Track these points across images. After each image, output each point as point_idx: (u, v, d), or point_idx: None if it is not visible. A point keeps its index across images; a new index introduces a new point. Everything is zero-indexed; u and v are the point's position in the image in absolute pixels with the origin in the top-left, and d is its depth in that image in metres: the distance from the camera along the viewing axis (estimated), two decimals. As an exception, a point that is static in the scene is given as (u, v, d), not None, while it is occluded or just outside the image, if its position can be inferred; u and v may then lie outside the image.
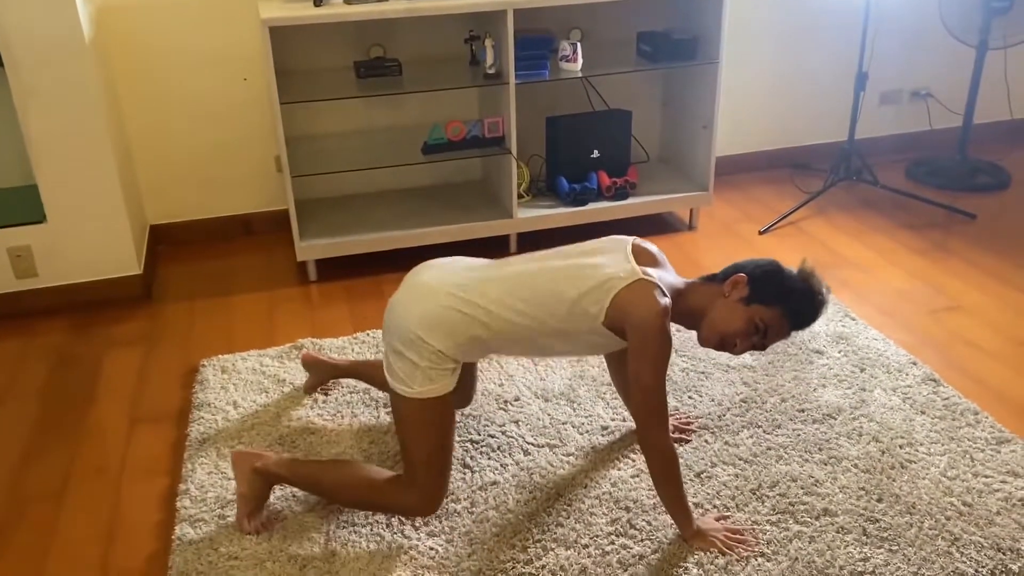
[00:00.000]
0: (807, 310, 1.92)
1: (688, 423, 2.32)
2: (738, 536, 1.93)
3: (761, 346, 1.92)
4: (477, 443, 2.27)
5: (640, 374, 1.82)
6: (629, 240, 2.00)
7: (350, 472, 1.99)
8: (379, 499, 1.97)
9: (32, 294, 3.04)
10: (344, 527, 2.00)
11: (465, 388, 2.26)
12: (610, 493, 2.09)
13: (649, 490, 2.09)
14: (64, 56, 2.78)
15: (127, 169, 3.23)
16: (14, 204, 3.09)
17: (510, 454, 2.23)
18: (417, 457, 1.92)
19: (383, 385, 2.28)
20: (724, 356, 2.63)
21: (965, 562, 1.87)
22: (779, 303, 1.89)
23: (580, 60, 3.22)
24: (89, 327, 2.96)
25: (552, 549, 1.92)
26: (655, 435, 1.84)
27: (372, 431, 2.33)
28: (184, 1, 3.22)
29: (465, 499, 2.08)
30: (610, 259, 1.92)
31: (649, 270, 1.89)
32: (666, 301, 1.84)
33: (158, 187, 3.48)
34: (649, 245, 2.01)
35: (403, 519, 2.01)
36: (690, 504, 1.95)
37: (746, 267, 1.95)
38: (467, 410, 2.39)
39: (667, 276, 1.95)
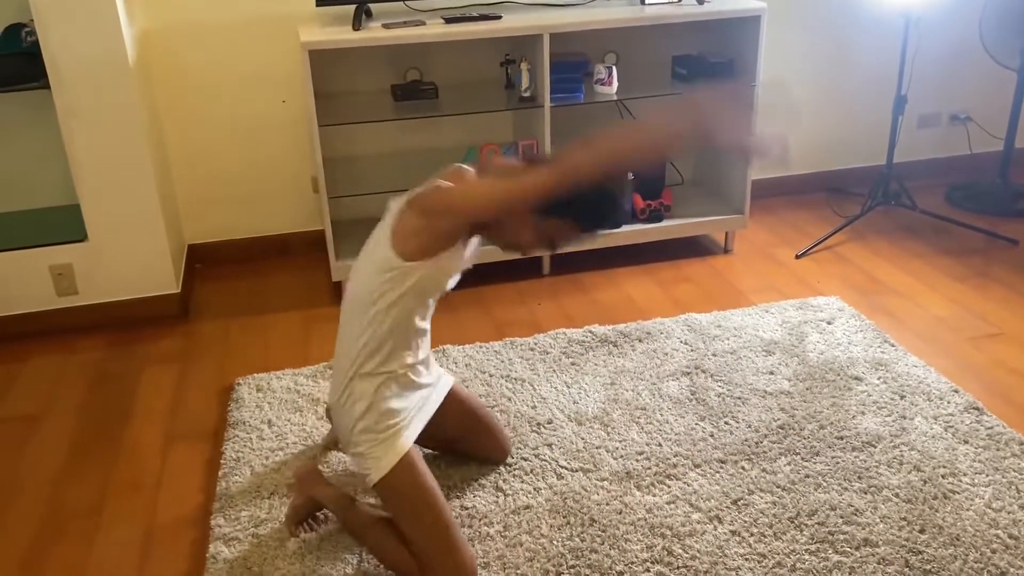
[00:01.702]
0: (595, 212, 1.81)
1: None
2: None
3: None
4: (510, 466, 2.26)
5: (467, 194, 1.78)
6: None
7: (392, 544, 1.91)
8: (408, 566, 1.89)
9: (72, 312, 3.09)
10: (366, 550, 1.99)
11: (481, 437, 2.24)
12: (645, 519, 2.06)
13: (685, 516, 2.06)
14: (108, 77, 2.83)
15: (167, 189, 3.28)
16: (57, 223, 3.15)
17: (543, 478, 2.21)
18: (420, 539, 1.86)
19: None
20: (761, 382, 2.59)
21: (1012, 597, 1.82)
22: (564, 214, 1.80)
23: (615, 83, 3.22)
24: (127, 345, 3.00)
25: (586, 575, 1.90)
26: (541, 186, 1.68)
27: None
28: (226, 24, 3.27)
29: (498, 523, 2.07)
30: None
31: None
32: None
33: (197, 207, 3.52)
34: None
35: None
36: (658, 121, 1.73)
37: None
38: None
39: None
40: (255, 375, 2.70)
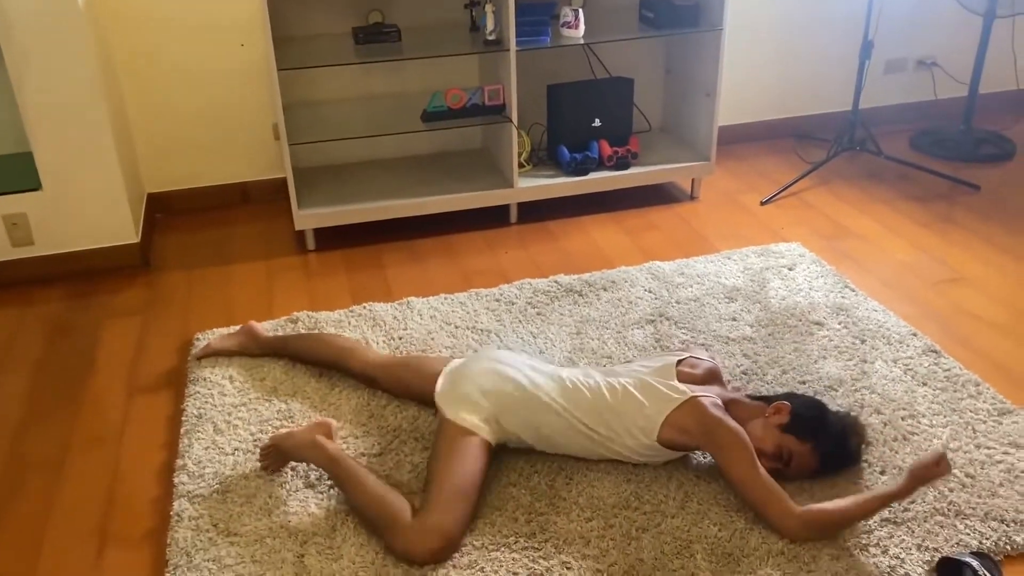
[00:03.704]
0: (835, 455, 2.01)
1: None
2: (935, 466, 1.82)
3: (783, 473, 1.98)
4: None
5: (735, 476, 1.89)
6: (674, 359, 2.13)
7: (375, 494, 1.91)
8: (387, 519, 1.86)
9: (28, 262, 3.02)
10: (345, 502, 1.99)
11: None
12: (614, 465, 2.08)
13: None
14: (58, 22, 2.72)
15: (123, 137, 3.19)
16: (9, 171, 3.06)
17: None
18: (442, 485, 1.87)
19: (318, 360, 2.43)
20: (724, 328, 2.61)
21: (969, 534, 1.87)
22: (811, 440, 1.97)
23: (582, 27, 3.17)
24: (86, 296, 2.94)
25: (554, 522, 1.92)
26: (793, 521, 1.84)
27: (369, 406, 2.31)
28: (179, -36, 3.16)
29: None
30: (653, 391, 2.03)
31: (696, 388, 2.04)
32: (711, 400, 1.98)
33: (155, 155, 3.44)
34: (696, 361, 2.15)
35: (408, 491, 2.00)
36: (869, 497, 1.84)
37: (793, 398, 2.05)
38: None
39: (714, 388, 2.09)
40: (215, 330, 2.67)
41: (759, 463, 1.89)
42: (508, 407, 2.03)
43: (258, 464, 2.09)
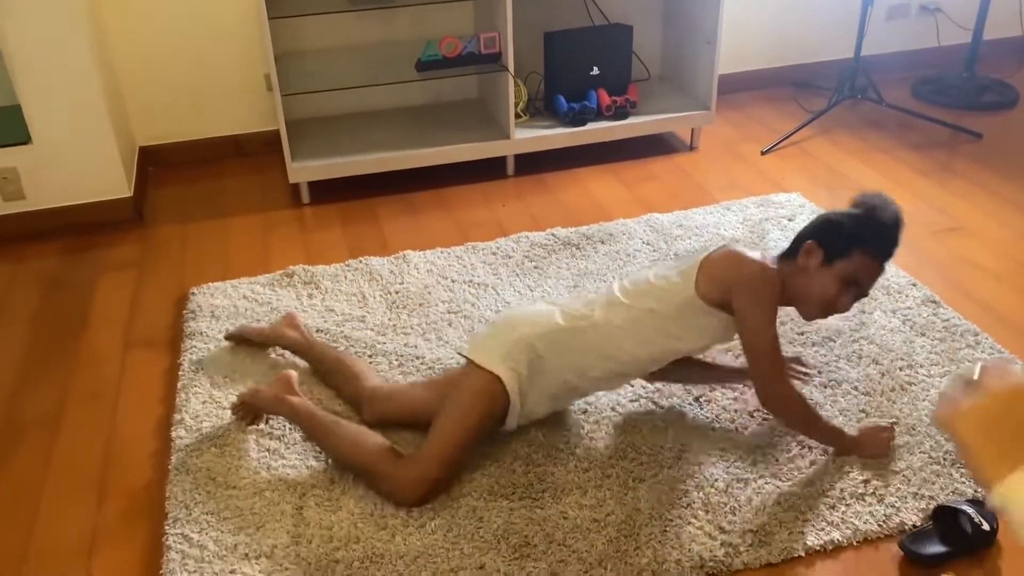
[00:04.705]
0: (883, 239, 1.88)
1: (805, 369, 2.23)
2: (887, 433, 1.96)
3: (863, 294, 1.90)
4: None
5: (754, 330, 1.85)
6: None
7: (352, 443, 1.92)
8: (365, 465, 1.89)
9: (20, 217, 2.99)
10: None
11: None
12: (610, 418, 2.08)
13: (648, 413, 2.08)
14: (41, -32, 2.66)
15: (113, 89, 3.14)
16: (-2, 125, 3.02)
17: (508, 378, 2.22)
18: (444, 436, 1.85)
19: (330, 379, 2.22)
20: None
21: (964, 482, 1.88)
22: (855, 247, 1.85)
23: (579, -28, 3.10)
24: (81, 251, 2.92)
25: (551, 472, 1.93)
26: (776, 387, 1.88)
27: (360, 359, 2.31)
28: (165, -90, 3.08)
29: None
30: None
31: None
32: (757, 254, 1.90)
33: (146, 108, 3.39)
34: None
35: (407, 444, 2.00)
36: (833, 424, 1.97)
37: (806, 233, 1.92)
38: (466, 339, 2.38)
39: None
40: (210, 284, 2.64)
41: (775, 323, 1.87)
42: (554, 343, 1.92)
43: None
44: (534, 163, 3.36)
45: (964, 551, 1.72)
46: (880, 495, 1.85)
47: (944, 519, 1.76)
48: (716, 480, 1.89)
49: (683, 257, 2.00)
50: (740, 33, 3.89)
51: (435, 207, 3.12)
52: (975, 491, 1.85)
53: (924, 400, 2.11)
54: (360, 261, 2.74)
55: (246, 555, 1.75)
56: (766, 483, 1.88)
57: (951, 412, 0.97)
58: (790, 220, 2.91)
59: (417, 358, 2.30)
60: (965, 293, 2.55)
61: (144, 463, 2.04)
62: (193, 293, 2.61)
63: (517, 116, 3.32)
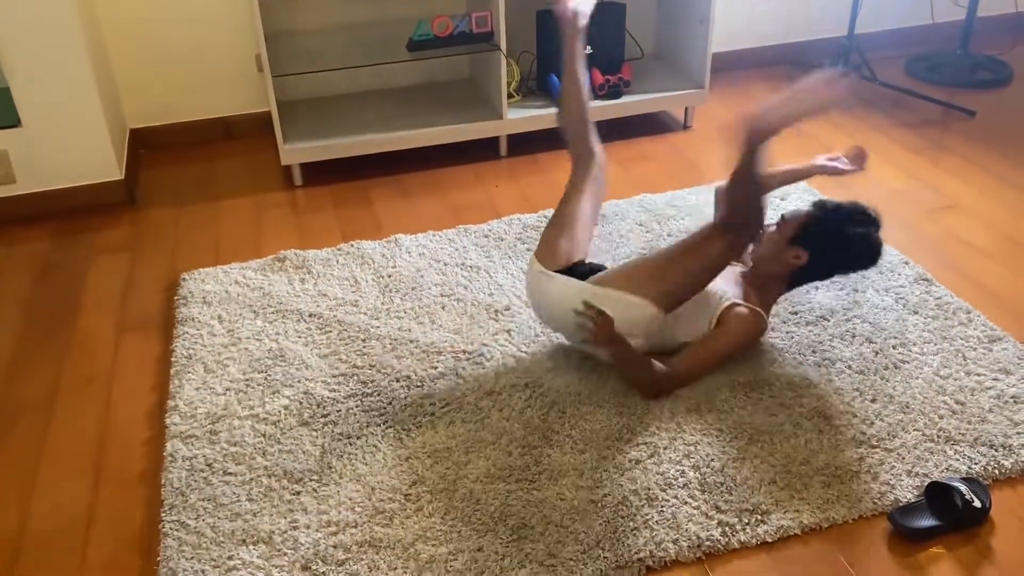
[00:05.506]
0: (851, 264, 2.23)
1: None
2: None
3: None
4: (470, 353, 2.26)
5: (721, 354, 2.12)
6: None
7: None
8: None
9: (11, 201, 2.97)
10: (339, 440, 1.99)
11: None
12: (607, 399, 2.09)
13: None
14: (27, -51, 2.63)
15: (103, 71, 3.11)
16: (-14, 108, 2.99)
17: (503, 363, 2.22)
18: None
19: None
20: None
21: (958, 459, 1.89)
22: (836, 266, 2.23)
23: (572, -50, 3.06)
24: (72, 234, 2.90)
25: (548, 455, 1.93)
26: (673, 389, 2.11)
27: (361, 335, 2.31)
28: None
29: (466, 406, 2.08)
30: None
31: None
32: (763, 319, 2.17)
33: (137, 90, 3.36)
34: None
35: (402, 427, 2.01)
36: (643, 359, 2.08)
37: (801, 234, 2.19)
38: (459, 323, 2.38)
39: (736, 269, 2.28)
40: (201, 269, 2.63)
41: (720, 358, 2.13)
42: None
43: (259, 387, 2.14)
44: (527, 143, 3.34)
45: (953, 527, 1.74)
46: (875, 473, 1.86)
47: (936, 495, 1.77)
48: (712, 460, 1.90)
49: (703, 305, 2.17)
50: (733, 11, 3.87)
51: (428, 188, 3.11)
52: (969, 468, 1.86)
53: (918, 378, 2.12)
54: (352, 245, 2.73)
55: (244, 541, 1.76)
56: (761, 462, 1.89)
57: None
58: (782, 199, 2.91)
59: (411, 341, 2.30)
60: (958, 271, 2.56)
61: (139, 449, 2.03)
62: (184, 279, 2.60)
63: (510, 96, 3.30)
